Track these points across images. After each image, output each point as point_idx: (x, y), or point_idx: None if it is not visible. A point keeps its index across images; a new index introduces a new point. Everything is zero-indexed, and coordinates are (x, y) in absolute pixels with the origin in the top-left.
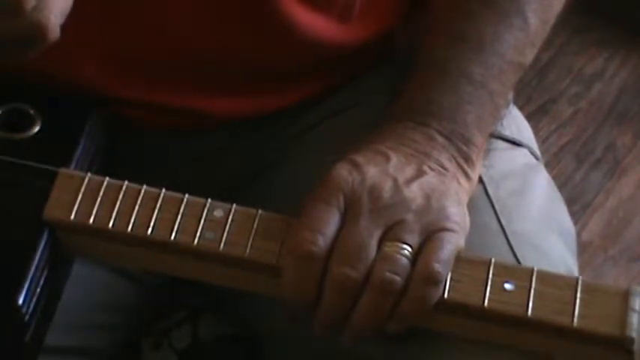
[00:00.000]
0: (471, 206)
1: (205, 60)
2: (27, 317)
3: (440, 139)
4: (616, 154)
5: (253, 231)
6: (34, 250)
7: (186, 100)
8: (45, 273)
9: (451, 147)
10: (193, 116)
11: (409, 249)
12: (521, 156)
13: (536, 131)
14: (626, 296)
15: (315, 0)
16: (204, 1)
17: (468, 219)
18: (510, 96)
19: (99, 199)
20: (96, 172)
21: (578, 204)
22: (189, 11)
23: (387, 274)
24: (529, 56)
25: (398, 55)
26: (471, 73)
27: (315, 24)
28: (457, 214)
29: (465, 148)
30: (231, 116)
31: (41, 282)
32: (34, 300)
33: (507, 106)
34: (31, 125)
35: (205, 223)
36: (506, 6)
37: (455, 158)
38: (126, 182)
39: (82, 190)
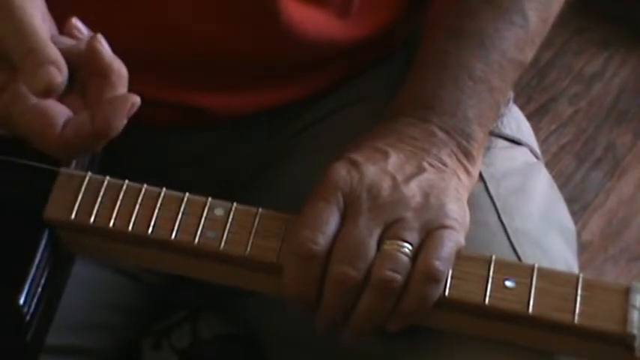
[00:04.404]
0: (472, 204)
1: (204, 58)
2: (28, 317)
3: (440, 134)
4: (616, 154)
5: (254, 230)
6: (35, 249)
7: (186, 96)
8: (46, 273)
9: (451, 142)
10: (193, 112)
11: (409, 247)
12: (522, 154)
13: (536, 131)
14: (626, 293)
15: None
16: (202, 4)
17: (468, 216)
18: (510, 94)
19: (99, 199)
20: (96, 172)
21: (578, 204)
22: (189, 11)
23: (388, 272)
24: (529, 54)
25: (398, 51)
26: (471, 69)
27: (314, 20)
28: (457, 211)
29: (465, 143)
30: (231, 113)
31: (42, 282)
32: (35, 300)
33: (507, 104)
34: None
35: (206, 222)
36: (506, 3)
37: (455, 154)
38: (126, 181)
39: (83, 189)
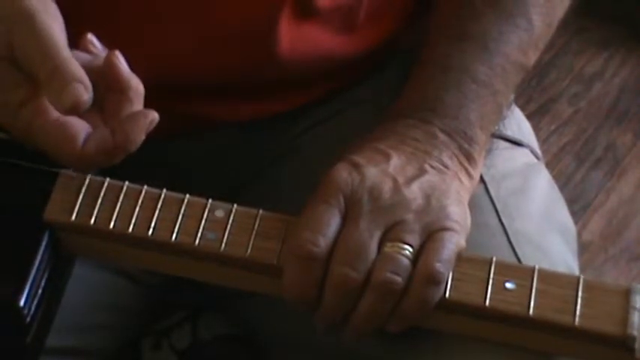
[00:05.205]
0: (473, 205)
1: (204, 79)
2: (28, 318)
3: (441, 136)
4: (616, 154)
5: (254, 231)
6: (36, 251)
7: (187, 105)
8: (46, 274)
9: (453, 144)
10: (194, 120)
11: (410, 249)
12: (522, 155)
13: (536, 131)
14: (627, 294)
15: (315, 17)
16: (203, 29)
17: (468, 218)
18: (512, 97)
19: (99, 200)
20: (97, 173)
21: (578, 204)
22: (189, 38)
23: (388, 274)
24: (532, 58)
25: (401, 56)
26: (475, 72)
27: (316, 39)
28: (458, 213)
29: (466, 145)
30: (231, 120)
31: (42, 283)
32: (36, 301)
33: (509, 107)
34: None
35: (206, 223)
36: (510, 7)
37: (456, 156)
38: (126, 183)
39: (83, 190)
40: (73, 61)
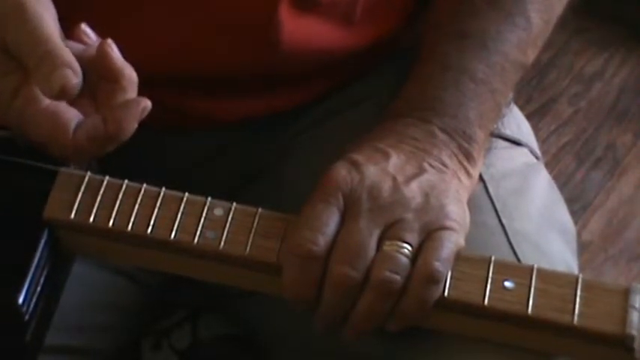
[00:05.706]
0: (472, 205)
1: (204, 71)
2: (27, 317)
3: (441, 135)
4: (616, 154)
5: (253, 230)
6: (34, 249)
7: (186, 101)
8: (45, 272)
9: (452, 143)
10: (193, 117)
11: (409, 248)
12: (522, 155)
13: (536, 131)
14: (626, 294)
15: (315, 8)
16: (202, 20)
17: (468, 217)
18: (511, 96)
19: (99, 198)
20: (96, 172)
21: (578, 204)
22: (188, 28)
23: (387, 273)
24: (531, 56)
25: (401, 55)
26: (473, 71)
27: (315, 33)
28: (457, 212)
29: (465, 144)
30: (231, 118)
31: (41, 281)
32: (35, 299)
33: (508, 105)
34: None
35: (205, 221)
36: (509, 6)
37: (456, 155)
38: (126, 181)
39: (82, 189)
40: (63, 48)
